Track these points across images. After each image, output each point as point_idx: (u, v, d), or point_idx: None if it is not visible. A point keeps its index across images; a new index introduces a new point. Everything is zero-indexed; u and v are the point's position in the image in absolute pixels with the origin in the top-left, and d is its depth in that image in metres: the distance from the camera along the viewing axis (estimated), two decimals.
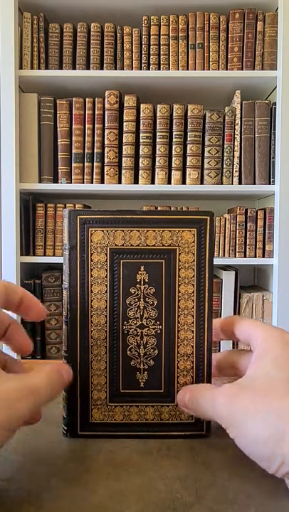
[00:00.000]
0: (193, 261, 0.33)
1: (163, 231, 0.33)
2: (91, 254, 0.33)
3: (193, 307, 0.33)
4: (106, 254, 0.33)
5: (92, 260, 0.33)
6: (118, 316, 0.33)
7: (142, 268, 0.33)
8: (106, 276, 0.33)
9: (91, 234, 0.33)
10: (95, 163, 1.35)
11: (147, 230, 0.33)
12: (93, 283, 0.33)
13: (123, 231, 0.33)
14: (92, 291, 0.33)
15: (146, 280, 0.33)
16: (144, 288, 0.33)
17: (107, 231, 0.33)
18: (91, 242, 0.33)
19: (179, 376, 0.33)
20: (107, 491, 0.26)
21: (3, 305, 0.30)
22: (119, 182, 1.35)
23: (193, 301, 0.33)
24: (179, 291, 0.33)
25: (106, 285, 0.33)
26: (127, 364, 0.33)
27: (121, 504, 0.25)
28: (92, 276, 0.33)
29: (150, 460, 0.30)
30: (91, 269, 0.33)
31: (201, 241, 0.33)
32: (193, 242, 0.33)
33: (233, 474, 0.28)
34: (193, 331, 0.33)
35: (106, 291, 0.33)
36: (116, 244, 0.33)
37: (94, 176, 1.35)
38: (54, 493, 0.26)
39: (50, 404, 0.28)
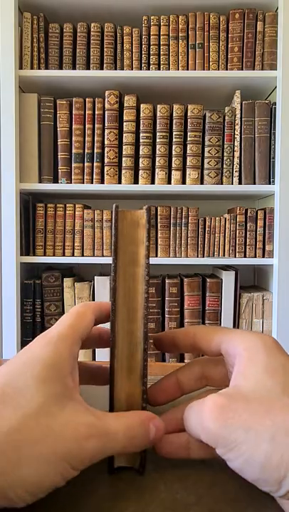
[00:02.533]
0: None
1: None
2: None
3: None
4: None
5: None
6: None
7: None
8: None
9: None
10: (95, 163, 1.35)
11: None
12: None
13: None
14: None
15: None
16: None
17: None
18: None
19: None
20: (107, 491, 0.26)
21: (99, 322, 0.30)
22: (119, 182, 1.35)
23: None
24: None
25: None
26: None
27: (121, 504, 0.25)
28: None
29: (150, 460, 0.30)
30: None
31: None
32: None
33: (233, 474, 0.28)
34: None
35: None
36: None
37: (94, 176, 1.35)
38: (54, 493, 0.26)
39: None
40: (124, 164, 1.34)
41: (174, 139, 1.33)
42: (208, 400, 0.24)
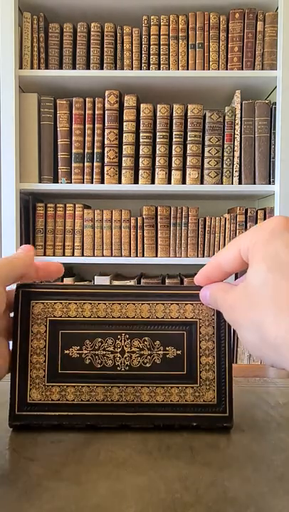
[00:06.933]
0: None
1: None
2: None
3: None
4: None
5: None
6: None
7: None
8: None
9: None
10: (95, 163, 1.35)
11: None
12: None
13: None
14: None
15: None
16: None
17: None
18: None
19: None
20: (107, 491, 0.26)
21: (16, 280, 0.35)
22: (119, 182, 1.35)
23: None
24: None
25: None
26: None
27: (121, 504, 0.25)
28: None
29: (150, 460, 0.30)
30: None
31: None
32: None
33: (233, 474, 0.28)
34: None
35: None
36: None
37: (94, 176, 1.35)
38: (54, 493, 0.26)
39: None
40: (124, 164, 1.34)
41: (174, 139, 1.33)
42: (228, 295, 0.30)
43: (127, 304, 0.34)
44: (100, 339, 0.34)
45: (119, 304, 0.34)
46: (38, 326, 0.34)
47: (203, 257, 1.36)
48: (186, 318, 0.34)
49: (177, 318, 0.34)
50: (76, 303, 0.34)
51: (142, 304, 0.34)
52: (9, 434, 0.33)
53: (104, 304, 0.34)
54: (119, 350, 0.34)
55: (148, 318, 0.34)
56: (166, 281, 1.38)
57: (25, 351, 0.34)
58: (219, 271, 0.33)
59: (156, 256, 1.36)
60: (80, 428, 0.34)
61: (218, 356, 0.34)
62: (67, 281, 1.39)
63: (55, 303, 0.34)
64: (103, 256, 1.37)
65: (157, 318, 0.34)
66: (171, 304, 0.34)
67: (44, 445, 0.32)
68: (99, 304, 0.34)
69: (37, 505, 0.25)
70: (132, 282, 1.39)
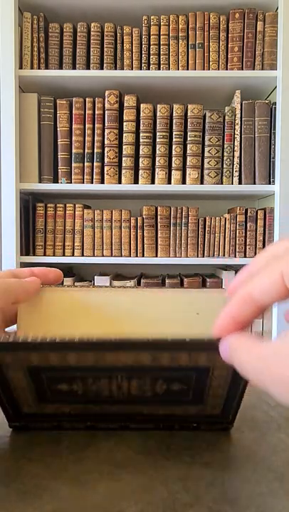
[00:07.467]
0: None
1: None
2: None
3: None
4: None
5: None
6: None
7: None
8: None
9: None
10: (95, 163, 1.35)
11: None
12: None
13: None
14: None
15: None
16: None
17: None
18: None
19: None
20: (107, 491, 0.26)
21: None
22: (119, 182, 1.35)
23: None
24: None
25: None
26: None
27: (121, 504, 0.25)
28: None
29: (150, 460, 0.30)
30: None
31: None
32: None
33: (233, 474, 0.28)
34: None
35: None
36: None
37: (94, 176, 1.35)
38: (54, 493, 0.26)
39: None
40: (124, 164, 1.34)
41: (174, 139, 1.33)
42: (276, 359, 0.21)
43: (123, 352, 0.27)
44: (91, 379, 0.29)
45: (113, 353, 0.27)
46: (15, 373, 0.29)
47: (203, 257, 1.35)
48: (197, 363, 0.28)
49: (186, 365, 0.28)
50: (56, 354, 0.27)
51: (142, 353, 0.27)
52: (9, 434, 0.33)
53: (93, 353, 0.27)
54: (115, 387, 0.30)
55: (150, 364, 0.28)
56: (166, 281, 1.38)
57: (8, 390, 0.30)
58: (251, 304, 0.23)
59: (156, 256, 1.36)
60: (79, 428, 0.34)
61: (229, 389, 0.30)
62: (67, 281, 1.39)
63: (29, 354, 0.28)
64: (103, 256, 1.37)
65: (161, 364, 0.28)
66: (181, 352, 0.27)
67: (44, 445, 0.32)
68: (86, 354, 0.27)
69: (37, 505, 0.25)
70: (131, 283, 1.39)
